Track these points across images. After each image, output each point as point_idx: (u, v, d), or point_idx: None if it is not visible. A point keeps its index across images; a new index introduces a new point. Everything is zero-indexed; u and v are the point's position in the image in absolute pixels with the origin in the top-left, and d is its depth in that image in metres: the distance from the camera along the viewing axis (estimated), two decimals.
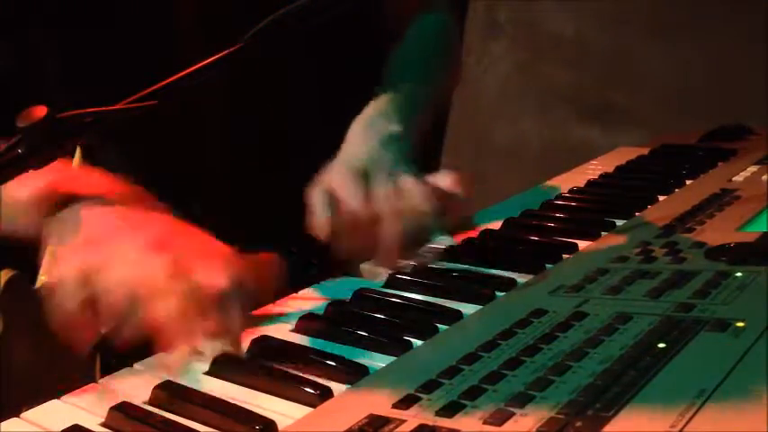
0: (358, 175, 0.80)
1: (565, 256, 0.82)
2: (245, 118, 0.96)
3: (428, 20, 1.09)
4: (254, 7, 0.70)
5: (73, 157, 0.83)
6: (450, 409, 0.52)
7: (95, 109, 0.58)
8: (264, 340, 0.65)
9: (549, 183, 1.10)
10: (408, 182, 0.81)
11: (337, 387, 0.58)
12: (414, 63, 1.03)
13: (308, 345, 0.65)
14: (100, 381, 0.62)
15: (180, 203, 0.73)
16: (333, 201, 0.79)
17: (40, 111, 0.55)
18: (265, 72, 0.89)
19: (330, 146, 0.85)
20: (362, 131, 0.87)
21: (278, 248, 0.73)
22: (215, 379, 0.61)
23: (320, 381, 0.58)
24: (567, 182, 1.10)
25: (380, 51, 1.01)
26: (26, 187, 0.71)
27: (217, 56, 0.65)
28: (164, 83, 0.61)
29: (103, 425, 0.56)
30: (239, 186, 0.96)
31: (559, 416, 0.49)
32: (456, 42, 1.14)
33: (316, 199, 0.79)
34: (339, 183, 0.79)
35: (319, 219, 0.78)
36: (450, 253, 0.85)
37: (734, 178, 1.05)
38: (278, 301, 0.75)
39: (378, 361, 0.61)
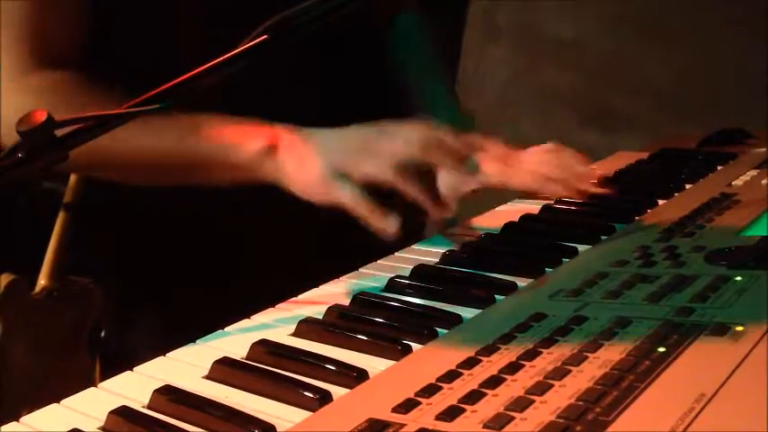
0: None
1: (564, 260, 0.82)
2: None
3: (407, 23, 1.13)
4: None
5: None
6: (449, 414, 0.52)
7: (96, 113, 0.58)
8: (264, 344, 0.65)
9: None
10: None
11: (337, 391, 0.57)
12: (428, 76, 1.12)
13: (307, 349, 0.65)
14: (99, 384, 0.61)
15: None
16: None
17: (40, 115, 0.55)
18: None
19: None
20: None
21: None
22: (214, 383, 0.61)
23: (319, 385, 0.58)
24: None
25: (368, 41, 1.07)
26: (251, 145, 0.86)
27: (218, 58, 0.65)
28: (166, 86, 0.61)
29: (103, 429, 0.56)
30: None
31: (559, 420, 0.49)
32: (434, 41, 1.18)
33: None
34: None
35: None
36: (449, 256, 0.85)
37: (733, 182, 1.05)
38: (278, 305, 0.75)
39: (377, 365, 0.61)
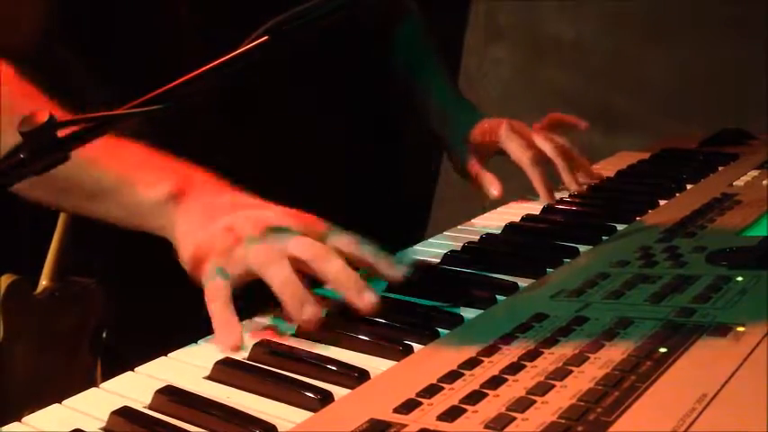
0: None
1: (566, 260, 0.82)
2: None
3: (409, 28, 1.13)
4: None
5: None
6: (450, 414, 0.52)
7: (98, 114, 0.58)
8: (265, 344, 0.65)
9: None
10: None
11: (338, 391, 0.58)
12: (428, 73, 1.13)
13: (308, 349, 0.65)
14: (101, 385, 0.62)
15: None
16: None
17: (42, 115, 0.55)
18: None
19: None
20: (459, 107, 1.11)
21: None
22: (216, 383, 0.61)
23: (321, 385, 0.58)
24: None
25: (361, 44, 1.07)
26: (154, 189, 0.75)
27: (220, 60, 0.65)
28: (167, 87, 0.61)
29: (104, 429, 0.56)
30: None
31: (560, 420, 0.49)
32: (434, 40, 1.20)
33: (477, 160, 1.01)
34: None
35: None
36: (450, 257, 0.85)
37: (734, 183, 1.05)
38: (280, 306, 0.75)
39: (378, 365, 0.62)
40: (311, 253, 0.68)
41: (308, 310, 0.66)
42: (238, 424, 0.54)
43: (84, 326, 1.30)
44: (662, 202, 1.00)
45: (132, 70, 0.93)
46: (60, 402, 0.59)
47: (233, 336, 0.66)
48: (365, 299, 0.67)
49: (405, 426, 0.51)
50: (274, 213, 0.72)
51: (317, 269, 0.68)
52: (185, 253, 0.72)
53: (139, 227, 0.77)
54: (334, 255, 0.68)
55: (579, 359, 0.57)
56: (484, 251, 0.88)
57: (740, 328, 0.59)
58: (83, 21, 0.92)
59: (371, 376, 0.60)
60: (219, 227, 0.70)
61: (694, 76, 2.09)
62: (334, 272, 0.68)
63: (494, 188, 1.01)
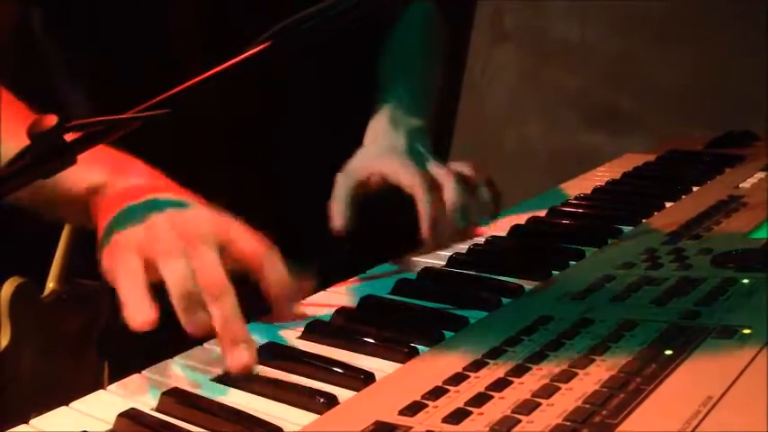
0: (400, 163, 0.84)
1: (571, 262, 0.82)
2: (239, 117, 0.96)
3: (413, 12, 1.09)
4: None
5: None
6: (456, 416, 0.52)
7: (105, 118, 0.58)
8: (271, 347, 0.66)
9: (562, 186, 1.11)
10: (443, 172, 0.83)
11: (343, 394, 0.58)
12: (408, 63, 1.04)
13: (314, 351, 0.65)
14: (108, 387, 0.62)
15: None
16: (357, 189, 0.83)
17: (50, 119, 0.55)
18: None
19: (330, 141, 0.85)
20: (387, 124, 0.91)
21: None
22: (222, 386, 0.61)
23: (326, 387, 0.58)
24: (574, 188, 1.10)
25: (371, 40, 1.02)
26: (82, 179, 0.72)
27: (225, 63, 0.65)
28: (173, 91, 0.61)
29: (111, 431, 0.56)
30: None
31: (566, 423, 0.49)
32: (443, 31, 1.13)
33: (341, 188, 0.83)
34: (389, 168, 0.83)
35: (339, 206, 0.81)
36: (456, 259, 0.85)
37: (741, 184, 1.05)
38: None
39: (384, 368, 0.62)
40: (210, 283, 0.63)
41: (199, 320, 0.62)
42: (244, 426, 0.54)
43: (92, 328, 1.31)
44: (668, 204, 1.00)
45: (136, 74, 0.93)
46: (67, 404, 0.59)
47: (144, 310, 0.62)
48: (236, 355, 0.61)
49: (410, 428, 0.51)
50: (197, 220, 0.67)
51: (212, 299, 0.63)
52: (103, 244, 0.68)
53: (82, 221, 0.74)
54: (228, 295, 0.63)
55: (584, 361, 0.57)
56: (489, 253, 0.88)
57: (746, 331, 0.59)
58: (80, 24, 0.92)
59: (377, 378, 0.60)
60: (140, 224, 0.66)
61: (701, 78, 2.09)
62: (220, 315, 0.62)
63: (336, 221, 0.82)
